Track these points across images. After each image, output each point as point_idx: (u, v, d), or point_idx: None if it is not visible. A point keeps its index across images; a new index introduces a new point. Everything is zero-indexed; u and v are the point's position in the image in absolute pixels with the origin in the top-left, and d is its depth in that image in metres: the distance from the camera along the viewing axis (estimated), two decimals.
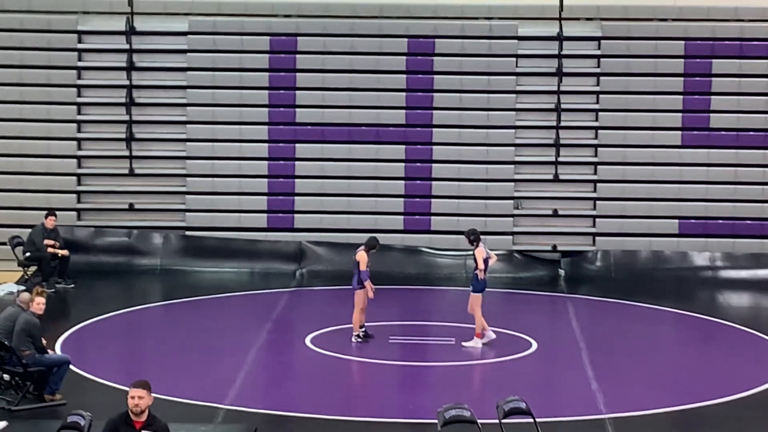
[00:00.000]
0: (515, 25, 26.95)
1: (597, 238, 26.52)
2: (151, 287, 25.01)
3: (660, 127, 26.64)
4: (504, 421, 13.59)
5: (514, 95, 26.86)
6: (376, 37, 26.81)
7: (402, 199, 26.46)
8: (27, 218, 25.37)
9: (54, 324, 19.61)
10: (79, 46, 26.94)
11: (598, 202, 26.66)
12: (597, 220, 26.63)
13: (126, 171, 26.64)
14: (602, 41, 26.90)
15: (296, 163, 26.60)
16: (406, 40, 26.83)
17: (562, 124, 26.72)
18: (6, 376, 16.08)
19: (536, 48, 27.02)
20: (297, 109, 26.70)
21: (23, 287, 21.52)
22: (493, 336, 19.71)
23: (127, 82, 26.75)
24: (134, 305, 22.59)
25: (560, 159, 26.68)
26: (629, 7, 26.88)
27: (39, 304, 16.03)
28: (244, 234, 26.28)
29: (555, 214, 26.65)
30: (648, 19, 26.97)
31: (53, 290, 22.99)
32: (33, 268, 24.19)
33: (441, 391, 17.21)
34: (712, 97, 26.63)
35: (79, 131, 26.86)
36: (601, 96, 26.82)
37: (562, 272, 26.11)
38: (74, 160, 26.76)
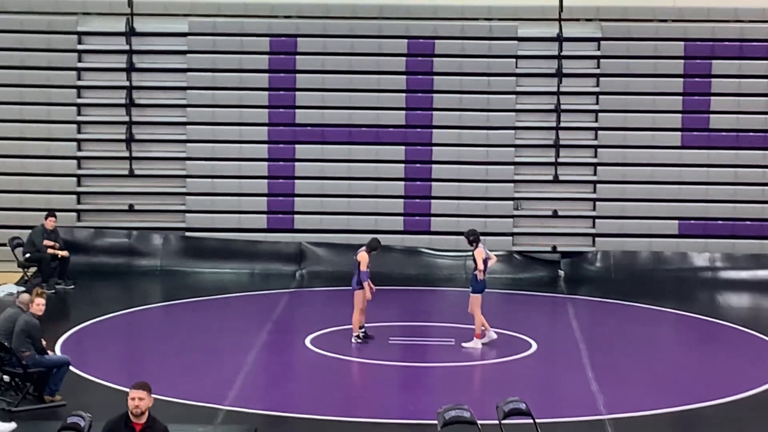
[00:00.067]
0: (515, 26, 26.96)
1: (597, 238, 26.52)
2: (151, 288, 25.02)
3: (660, 127, 26.64)
4: (504, 421, 13.58)
5: (513, 96, 26.87)
6: (376, 38, 26.82)
7: (402, 200, 26.47)
8: (27, 219, 25.37)
9: (54, 325, 19.60)
10: (79, 47, 26.95)
11: (597, 203, 26.67)
12: (597, 220, 26.64)
13: (126, 172, 26.65)
14: (602, 42, 26.91)
15: (296, 164, 26.61)
16: (405, 41, 26.83)
17: (562, 125, 26.73)
18: (6, 377, 16.07)
19: (536, 49, 27.02)
20: (297, 110, 26.70)
21: (23, 288, 21.51)
22: (495, 336, 19.72)
23: (127, 83, 26.76)
24: (134, 306, 22.59)
25: (560, 160, 26.68)
26: (629, 8, 26.89)
27: (39, 305, 16.03)
28: (244, 235, 26.28)
29: (555, 214, 26.65)
30: (648, 20, 26.98)
31: (53, 291, 23.00)
32: (33, 269, 24.19)
33: (441, 391, 17.22)
34: (712, 98, 26.64)
35: (79, 132, 26.87)
36: (600, 97, 26.83)
37: (561, 273, 26.11)
38: (74, 161, 26.77)
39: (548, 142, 26.76)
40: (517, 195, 26.72)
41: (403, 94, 26.75)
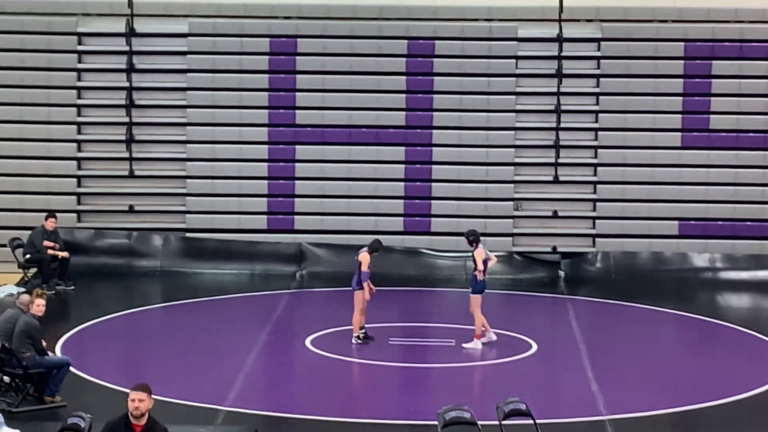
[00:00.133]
0: (515, 27, 26.96)
1: (597, 239, 26.52)
2: (151, 289, 25.02)
3: (660, 128, 26.65)
4: (504, 422, 13.59)
5: (513, 97, 26.87)
6: (376, 39, 26.82)
7: (402, 201, 26.47)
8: (27, 220, 25.39)
9: (54, 326, 19.59)
10: (79, 47, 26.96)
11: (598, 204, 26.67)
12: (597, 221, 26.64)
13: (126, 173, 26.65)
14: (602, 43, 26.91)
15: (296, 164, 26.61)
16: (405, 41, 26.84)
17: (562, 125, 26.73)
18: (6, 378, 16.07)
19: (536, 49, 27.03)
20: (297, 111, 26.71)
21: (23, 289, 21.51)
22: (494, 338, 19.72)
23: (127, 84, 26.76)
24: (134, 307, 22.59)
25: (560, 160, 26.68)
26: (629, 8, 26.89)
27: (39, 305, 16.03)
28: (244, 236, 26.28)
29: (555, 215, 26.65)
30: (648, 20, 26.99)
31: (53, 292, 23.00)
32: (33, 270, 24.19)
33: (441, 392, 17.22)
34: (712, 98, 26.64)
35: (79, 133, 26.87)
36: (600, 97, 26.83)
37: (562, 274, 26.11)
38: (74, 162, 26.77)
39: (548, 142, 26.76)
40: (517, 196, 26.72)
41: (403, 95, 26.75)
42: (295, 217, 26.45)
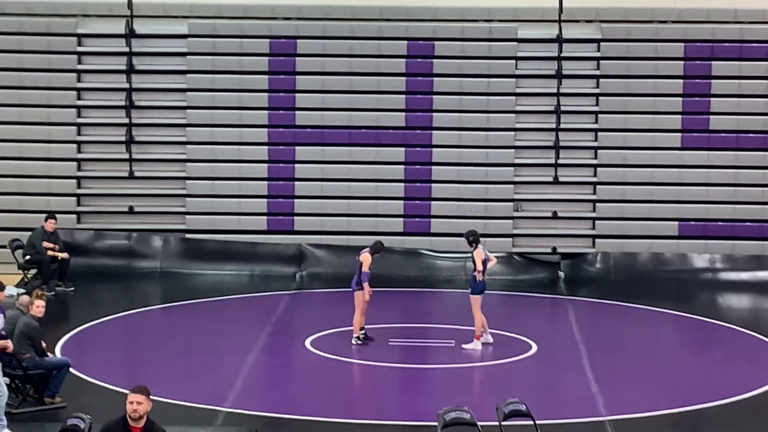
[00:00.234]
0: (515, 28, 26.96)
1: (597, 240, 26.52)
2: (151, 290, 25.02)
3: (660, 129, 26.65)
4: (504, 423, 13.59)
5: (513, 97, 26.87)
6: (376, 40, 26.83)
7: (402, 202, 26.47)
8: (27, 221, 25.39)
9: (54, 327, 19.58)
10: (79, 49, 26.95)
11: (597, 204, 26.67)
12: (597, 222, 26.64)
13: (126, 174, 26.65)
14: (602, 43, 26.91)
15: (296, 165, 26.61)
16: (405, 42, 26.84)
17: (562, 126, 26.73)
18: (6, 379, 16.05)
19: (536, 50, 27.03)
20: (297, 112, 26.70)
21: (23, 290, 21.50)
22: (491, 339, 19.71)
23: (126, 85, 26.76)
24: (134, 308, 22.59)
25: (560, 161, 26.68)
26: (629, 9, 26.89)
27: (39, 307, 16.02)
28: (244, 237, 26.28)
29: (555, 216, 26.65)
30: (647, 21, 26.99)
31: (53, 293, 22.99)
32: (33, 271, 24.18)
33: (441, 393, 17.21)
34: (712, 99, 26.64)
35: (78, 134, 26.87)
36: (600, 98, 26.83)
37: (561, 274, 26.10)
38: (74, 163, 26.78)
39: (548, 143, 26.76)
40: (517, 196, 26.71)
41: (403, 96, 26.75)
42: (295, 218, 26.45)
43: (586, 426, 15.49)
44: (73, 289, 23.90)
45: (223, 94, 26.75)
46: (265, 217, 26.46)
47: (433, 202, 26.52)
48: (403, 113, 26.71)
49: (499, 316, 21.39)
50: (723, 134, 26.61)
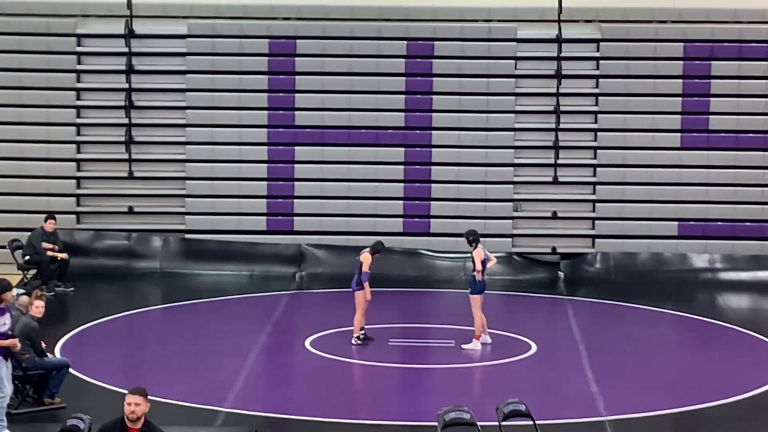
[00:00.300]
0: (514, 28, 26.96)
1: (596, 240, 26.52)
2: (151, 290, 25.02)
3: (659, 129, 26.64)
4: (504, 423, 13.59)
5: (513, 97, 26.86)
6: (376, 40, 26.82)
7: (401, 202, 26.47)
8: (26, 221, 25.38)
9: (53, 327, 19.58)
10: (78, 49, 26.95)
11: (597, 204, 26.67)
12: (596, 222, 26.63)
13: (125, 174, 26.65)
14: (601, 43, 26.91)
15: (295, 165, 26.60)
16: (405, 42, 26.83)
17: (562, 126, 26.73)
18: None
19: (535, 50, 27.03)
20: (296, 112, 26.70)
21: (22, 291, 21.45)
22: (489, 340, 19.71)
23: (126, 85, 26.76)
24: (134, 308, 22.58)
25: (559, 161, 26.68)
26: (628, 9, 26.89)
27: (38, 307, 16.03)
28: (244, 237, 26.28)
29: (554, 216, 26.65)
30: (647, 21, 26.99)
31: (53, 294, 23.00)
32: (32, 272, 24.18)
33: (441, 393, 17.20)
34: (712, 99, 26.64)
35: (78, 134, 26.87)
36: (600, 98, 26.83)
37: (561, 274, 26.10)
38: (73, 164, 26.77)
39: (548, 143, 26.76)
40: (516, 196, 26.71)
41: (403, 96, 26.75)
42: (295, 218, 26.45)
43: (586, 426, 15.49)
44: (72, 289, 23.89)
45: (223, 94, 26.74)
46: (264, 218, 26.46)
47: (432, 202, 26.52)
48: (403, 113, 26.71)
49: (499, 316, 21.39)
50: (722, 134, 26.61)
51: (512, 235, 26.50)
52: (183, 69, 26.90)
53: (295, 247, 26.14)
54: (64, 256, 24.00)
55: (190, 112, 26.75)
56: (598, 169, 26.74)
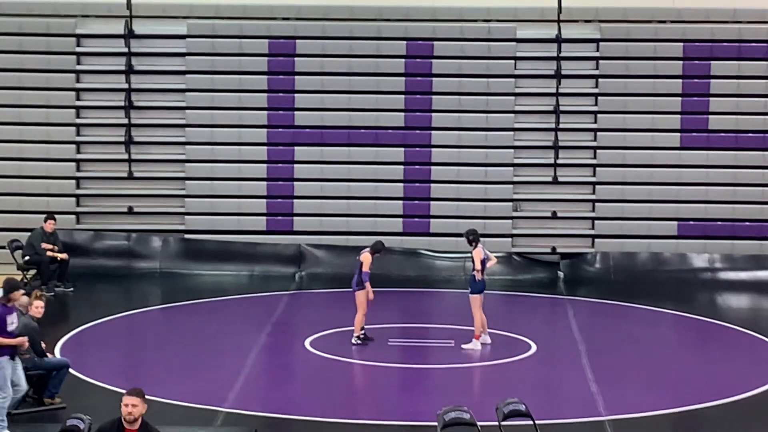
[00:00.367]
0: (514, 28, 26.97)
1: (596, 240, 26.52)
2: (151, 290, 25.02)
3: (659, 129, 26.65)
4: (503, 423, 13.58)
5: (512, 97, 26.87)
6: (375, 40, 26.83)
7: (401, 202, 26.47)
8: (26, 222, 25.39)
9: (53, 328, 19.58)
10: (78, 49, 26.95)
11: (597, 204, 26.67)
12: (596, 222, 26.64)
13: (125, 174, 26.65)
14: (601, 43, 26.91)
15: (295, 165, 26.61)
16: (404, 42, 26.84)
17: (561, 126, 26.73)
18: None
19: (535, 50, 27.04)
20: (296, 112, 26.71)
21: (22, 291, 21.45)
22: (489, 340, 19.71)
23: (125, 86, 26.76)
24: (133, 308, 22.58)
25: (559, 161, 26.69)
26: (628, 9, 26.90)
27: (38, 307, 16.03)
28: (244, 237, 26.28)
29: (554, 216, 26.65)
30: (647, 21, 27.00)
31: (52, 294, 22.99)
32: (32, 272, 24.18)
33: (440, 393, 17.20)
34: (711, 98, 26.65)
35: (77, 134, 26.87)
36: (599, 98, 26.84)
37: (561, 274, 26.10)
38: (73, 164, 26.78)
39: (547, 143, 26.76)
40: (516, 196, 26.72)
41: (402, 96, 26.75)
42: (295, 218, 26.45)
43: (586, 426, 15.49)
44: (72, 289, 23.89)
45: (223, 94, 26.75)
46: (264, 218, 26.46)
47: (432, 202, 26.52)
48: (402, 113, 26.72)
49: (499, 316, 21.39)
50: (722, 134, 26.61)
51: (512, 235, 26.50)
52: (182, 69, 26.91)
53: (295, 247, 26.14)
54: (64, 256, 24.00)
55: (190, 113, 26.76)
56: (597, 168, 26.74)
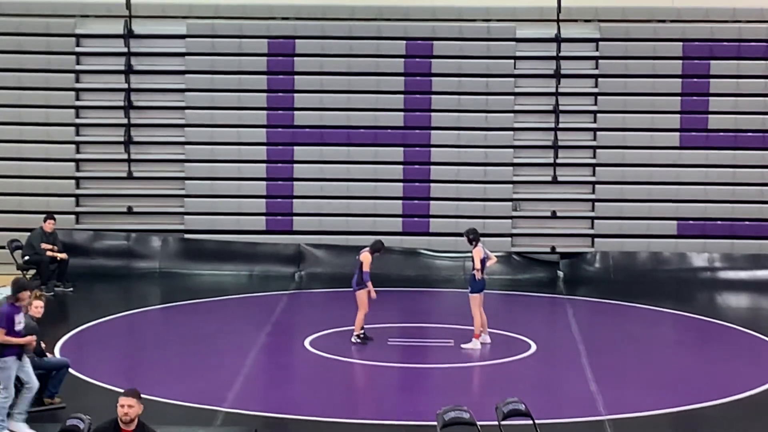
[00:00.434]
0: (513, 27, 26.97)
1: (596, 239, 26.53)
2: (150, 290, 25.02)
3: (658, 128, 26.66)
4: (503, 422, 13.58)
5: (512, 97, 26.88)
6: (375, 40, 26.83)
7: (401, 202, 26.48)
8: (26, 222, 25.39)
9: (53, 327, 19.56)
10: (78, 49, 26.96)
11: (596, 204, 26.68)
12: (596, 221, 26.65)
13: (124, 174, 26.65)
14: (600, 43, 26.92)
15: (295, 165, 26.62)
16: (404, 42, 26.84)
17: (561, 125, 26.74)
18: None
19: (534, 50, 27.05)
20: (295, 112, 26.71)
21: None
22: (489, 340, 19.71)
23: (125, 85, 26.76)
24: (133, 308, 22.58)
25: (559, 160, 26.69)
26: (627, 8, 26.91)
27: (37, 307, 16.01)
28: (243, 237, 26.28)
29: (554, 215, 26.66)
30: (646, 20, 27.00)
31: (52, 294, 23.00)
32: (32, 272, 24.18)
33: (440, 393, 17.20)
34: (710, 98, 26.66)
35: (77, 134, 26.87)
36: (599, 97, 26.85)
37: (561, 274, 26.11)
38: (73, 164, 26.78)
39: (547, 143, 26.77)
40: (515, 196, 26.72)
41: (402, 96, 26.76)
42: (294, 218, 26.46)
43: (586, 425, 15.49)
44: (72, 289, 23.89)
45: (222, 94, 26.75)
46: (264, 217, 26.46)
47: (431, 202, 26.53)
48: (402, 113, 26.72)
49: (499, 315, 21.38)
50: (721, 133, 26.62)
51: (511, 235, 26.51)
52: (182, 69, 26.91)
53: (295, 247, 26.15)
54: (64, 256, 24.01)
55: (190, 112, 26.76)
56: (597, 168, 26.75)
